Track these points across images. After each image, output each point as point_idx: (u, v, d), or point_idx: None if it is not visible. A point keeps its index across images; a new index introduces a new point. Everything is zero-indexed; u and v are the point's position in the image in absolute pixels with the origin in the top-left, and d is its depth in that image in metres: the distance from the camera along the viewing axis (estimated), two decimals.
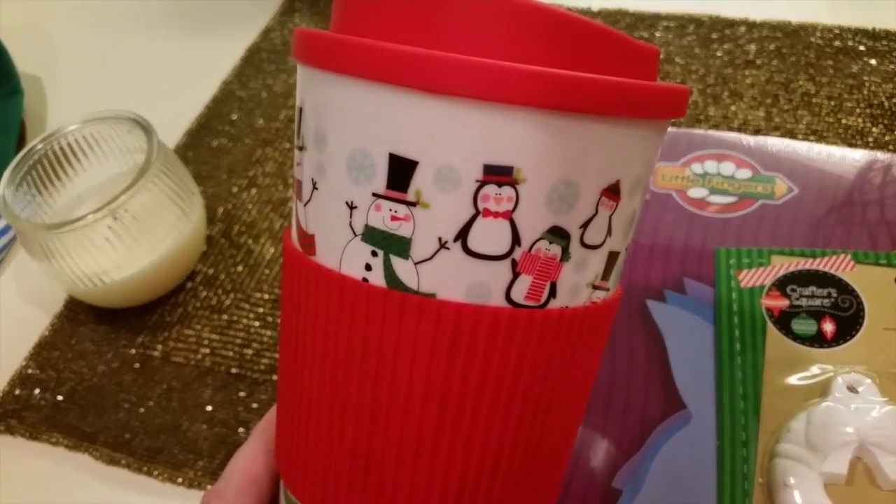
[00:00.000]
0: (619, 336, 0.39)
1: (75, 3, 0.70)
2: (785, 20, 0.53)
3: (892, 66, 0.49)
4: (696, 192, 0.43)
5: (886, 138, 0.46)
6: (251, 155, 0.54)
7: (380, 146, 0.23)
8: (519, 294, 0.23)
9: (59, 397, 0.44)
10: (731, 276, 0.39)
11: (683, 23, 0.55)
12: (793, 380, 0.36)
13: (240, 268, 0.47)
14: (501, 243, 0.23)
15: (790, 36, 0.52)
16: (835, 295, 0.38)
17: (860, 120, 0.47)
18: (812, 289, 0.38)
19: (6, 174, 0.45)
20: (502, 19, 0.22)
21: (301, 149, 0.25)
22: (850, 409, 0.34)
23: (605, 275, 0.25)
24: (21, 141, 0.57)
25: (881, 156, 0.43)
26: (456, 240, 0.23)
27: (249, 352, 0.43)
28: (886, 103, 0.47)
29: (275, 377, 0.42)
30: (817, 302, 0.38)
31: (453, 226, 0.23)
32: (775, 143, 0.45)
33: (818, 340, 0.37)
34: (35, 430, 0.42)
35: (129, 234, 0.42)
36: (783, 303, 0.38)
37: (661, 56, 0.53)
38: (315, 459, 0.26)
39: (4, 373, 0.45)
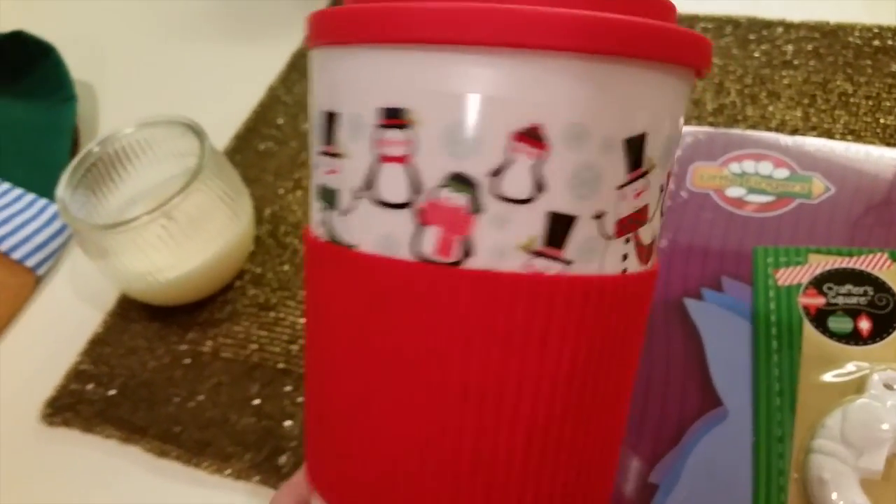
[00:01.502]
0: (657, 333, 0.40)
1: (126, 13, 0.73)
2: (823, 20, 0.53)
3: None
4: (734, 192, 0.43)
5: None
6: (296, 158, 0.55)
7: (319, 104, 0.24)
8: (427, 247, 0.22)
9: (112, 392, 0.45)
10: (769, 274, 0.40)
11: (721, 24, 0.55)
12: (828, 377, 0.36)
13: (286, 267, 0.49)
14: (402, 190, 0.22)
15: (828, 36, 0.52)
16: (871, 293, 0.38)
17: None
18: (848, 287, 0.39)
19: (65, 177, 0.46)
20: None
21: None
22: (887, 406, 0.35)
23: (553, 240, 0.22)
24: (75, 145, 0.60)
25: None
26: (367, 188, 0.22)
27: (295, 347, 0.45)
28: None
29: None
30: (854, 300, 0.38)
31: (362, 174, 0.22)
32: (813, 143, 0.45)
33: (854, 338, 0.37)
34: (89, 424, 0.44)
35: (182, 234, 0.44)
36: (820, 301, 0.38)
37: None
38: (306, 434, 0.26)
39: (60, 368, 0.47)
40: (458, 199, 0.21)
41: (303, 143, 0.56)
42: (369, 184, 0.22)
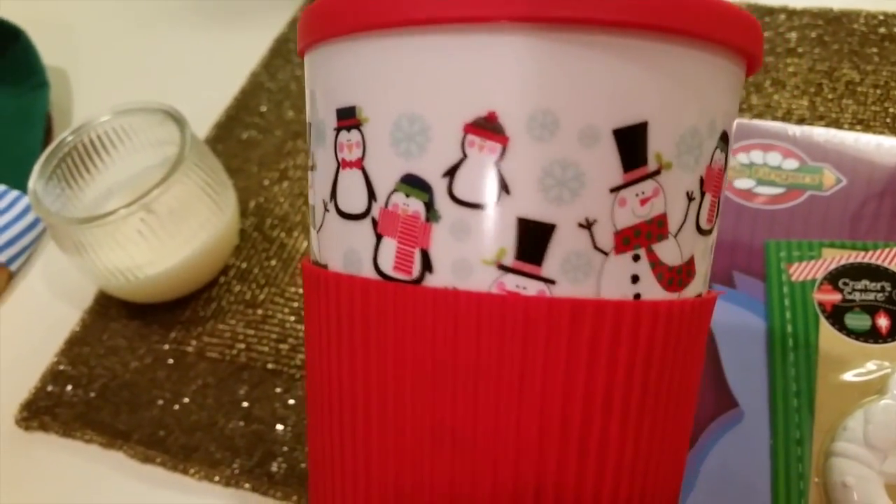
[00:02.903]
0: None
1: None
2: (826, 7, 0.52)
3: None
4: (743, 183, 0.42)
5: None
6: (282, 147, 0.53)
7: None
8: (386, 262, 0.19)
9: (92, 394, 0.43)
10: (782, 269, 0.38)
11: None
12: (848, 376, 0.35)
13: (273, 262, 0.47)
14: (359, 198, 0.20)
15: (832, 23, 0.51)
16: (888, 289, 0.37)
17: None
18: (865, 282, 0.37)
19: (37, 167, 0.44)
20: None
21: None
22: None
23: (528, 254, 0.19)
24: (48, 134, 0.57)
25: None
26: (331, 199, 0.21)
27: (285, 347, 0.42)
28: None
29: None
30: (871, 296, 0.37)
31: (327, 184, 0.21)
32: (822, 133, 0.43)
33: (873, 336, 0.36)
34: (68, 428, 0.42)
35: (163, 228, 0.41)
36: (835, 297, 0.37)
37: None
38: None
39: (37, 369, 0.45)
40: (413, 204, 0.19)
41: (288, 132, 0.54)
42: (333, 194, 0.20)
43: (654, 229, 0.20)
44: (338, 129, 0.20)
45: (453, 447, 0.19)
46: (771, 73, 0.49)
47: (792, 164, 0.42)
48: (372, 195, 0.19)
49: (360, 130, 0.19)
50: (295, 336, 0.43)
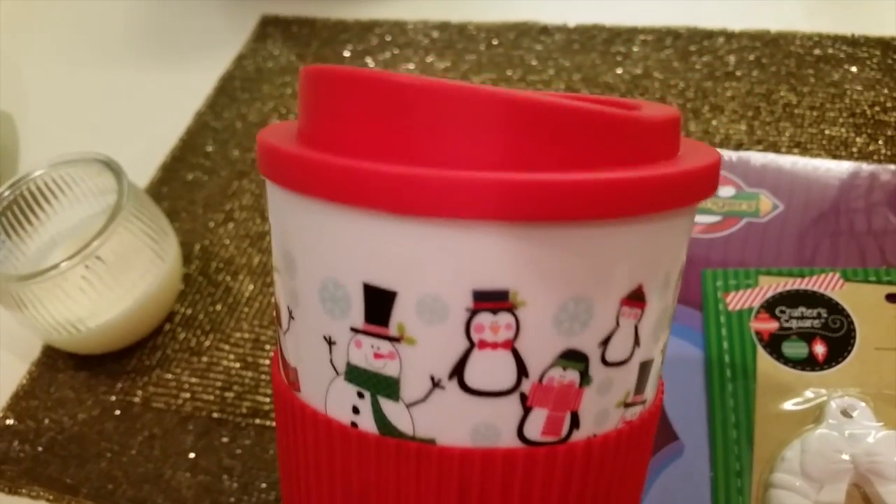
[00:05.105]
0: None
1: (42, 39, 0.69)
2: (764, 29, 0.52)
3: (872, 74, 0.48)
4: None
5: (871, 148, 0.45)
6: (227, 188, 0.53)
7: (352, 275, 0.20)
8: (534, 430, 0.20)
9: (39, 448, 0.42)
10: (719, 298, 0.39)
11: (661, 36, 0.54)
12: (787, 405, 0.35)
13: (218, 306, 0.46)
14: (505, 377, 0.20)
15: (769, 45, 0.51)
16: (825, 315, 0.37)
17: (844, 130, 0.46)
18: (801, 310, 0.38)
19: None
20: (476, 120, 0.19)
21: (275, 270, 0.23)
22: (845, 435, 0.33)
23: (639, 388, 0.22)
24: None
25: (866, 166, 0.42)
26: (451, 377, 0.20)
27: (230, 395, 0.42)
28: (868, 112, 0.46)
29: (257, 420, 0.41)
30: (807, 323, 0.37)
31: (446, 362, 0.20)
32: (759, 158, 0.44)
33: (810, 363, 0.36)
34: (15, 484, 0.41)
35: (103, 280, 0.41)
36: (773, 325, 0.37)
37: (639, 71, 0.52)
38: None
39: None
40: (570, 375, 0.20)
41: (233, 172, 0.53)
42: (457, 372, 0.20)
43: None
44: (474, 311, 0.19)
45: None
46: (709, 98, 0.49)
47: (728, 191, 0.42)
48: (523, 373, 0.20)
49: (513, 314, 0.19)
50: (240, 383, 0.42)
